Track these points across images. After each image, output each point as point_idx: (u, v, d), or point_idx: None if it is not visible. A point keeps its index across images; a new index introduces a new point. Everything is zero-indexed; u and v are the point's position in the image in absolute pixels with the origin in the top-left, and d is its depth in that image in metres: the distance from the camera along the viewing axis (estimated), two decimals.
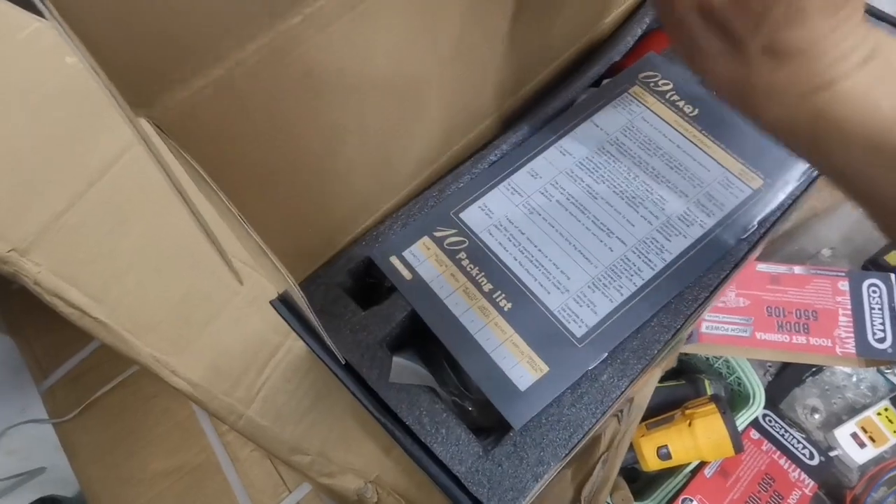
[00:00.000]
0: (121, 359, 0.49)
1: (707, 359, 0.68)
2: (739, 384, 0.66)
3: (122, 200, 0.51)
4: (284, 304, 0.39)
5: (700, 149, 0.42)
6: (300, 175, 0.32)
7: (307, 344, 0.38)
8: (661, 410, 0.61)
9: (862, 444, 0.67)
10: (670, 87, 0.44)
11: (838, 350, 0.59)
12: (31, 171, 0.52)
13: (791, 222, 0.76)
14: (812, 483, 0.64)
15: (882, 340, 0.59)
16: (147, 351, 0.46)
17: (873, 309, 0.61)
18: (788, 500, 0.63)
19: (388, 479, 0.41)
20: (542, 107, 0.44)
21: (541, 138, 0.43)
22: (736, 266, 0.38)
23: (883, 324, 0.60)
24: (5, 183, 0.52)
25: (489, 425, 0.38)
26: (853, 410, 0.70)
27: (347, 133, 0.33)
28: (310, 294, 0.39)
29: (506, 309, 0.38)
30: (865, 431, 0.67)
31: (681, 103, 0.44)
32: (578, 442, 0.34)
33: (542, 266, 0.39)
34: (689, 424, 0.58)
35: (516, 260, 0.39)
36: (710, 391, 0.63)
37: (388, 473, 0.41)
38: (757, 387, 0.65)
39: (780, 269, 0.63)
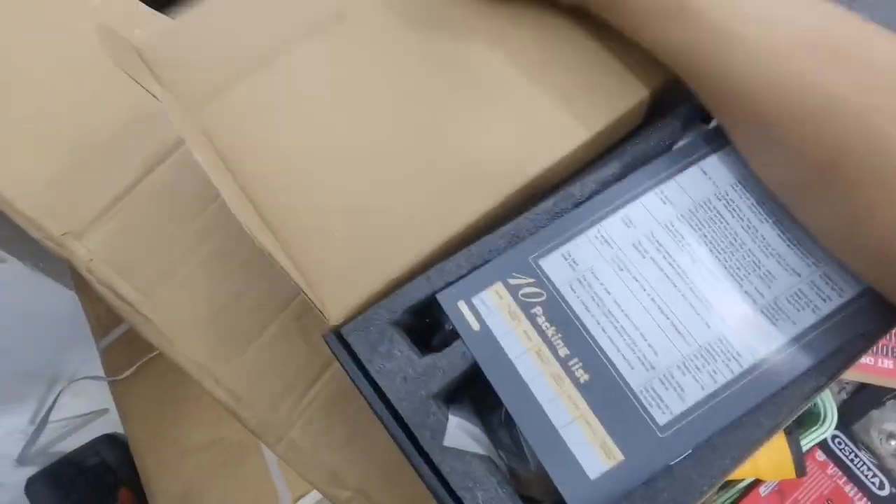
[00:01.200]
0: None
1: None
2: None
3: (179, 191, 0.49)
4: (338, 338, 0.36)
5: None
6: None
7: (360, 391, 0.35)
8: None
9: None
10: None
11: None
12: (93, 153, 0.50)
13: None
14: None
15: None
16: (190, 356, 0.44)
17: None
18: None
19: None
20: (638, 142, 0.39)
21: (638, 179, 0.37)
22: (851, 361, 0.33)
23: None
24: (67, 160, 0.50)
25: (542, 497, 0.35)
26: None
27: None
28: (364, 332, 0.36)
29: (582, 381, 0.33)
30: None
31: None
32: None
33: (628, 335, 0.34)
34: None
35: (599, 324, 0.34)
36: None
37: None
38: (830, 407, 0.60)
39: None
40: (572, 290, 0.35)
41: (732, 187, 0.37)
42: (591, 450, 0.32)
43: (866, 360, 0.55)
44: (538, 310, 0.35)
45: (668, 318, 0.34)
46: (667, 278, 0.35)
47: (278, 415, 0.42)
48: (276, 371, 0.44)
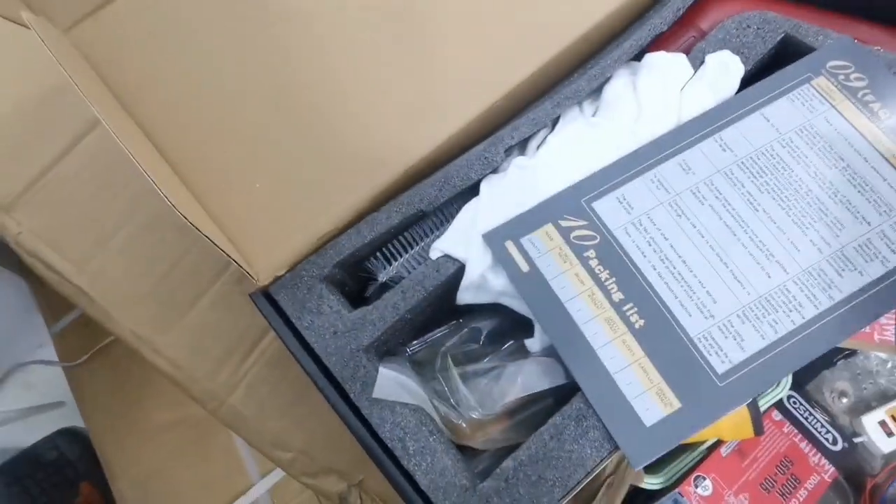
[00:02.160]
0: None
1: None
2: None
3: (110, 160, 0.47)
4: (266, 298, 0.35)
5: (895, 167, 0.34)
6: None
7: (287, 346, 0.34)
8: None
9: (890, 433, 0.63)
10: (865, 83, 0.36)
11: (876, 337, 0.55)
12: (20, 125, 0.48)
13: None
14: (832, 469, 0.61)
15: None
16: (128, 326, 0.43)
17: None
18: (806, 485, 0.61)
19: (373, 484, 0.38)
20: None
21: (698, 125, 0.36)
22: None
23: None
24: None
25: (480, 447, 0.35)
26: (884, 397, 0.66)
27: None
28: (292, 289, 0.35)
29: (637, 326, 0.32)
30: (895, 420, 0.63)
31: (876, 106, 0.35)
32: (579, 482, 0.30)
33: (686, 281, 0.33)
34: None
35: (655, 269, 0.33)
36: None
37: (373, 479, 0.38)
38: None
39: None
40: (627, 234, 0.34)
41: (798, 133, 0.35)
42: (647, 395, 0.30)
43: None
44: (591, 253, 0.33)
45: (727, 267, 0.33)
46: (726, 226, 0.34)
47: (219, 381, 0.41)
48: (216, 337, 0.42)
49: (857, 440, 0.64)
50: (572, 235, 0.34)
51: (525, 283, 0.33)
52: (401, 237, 0.37)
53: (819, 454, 0.62)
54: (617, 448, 0.30)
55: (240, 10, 0.38)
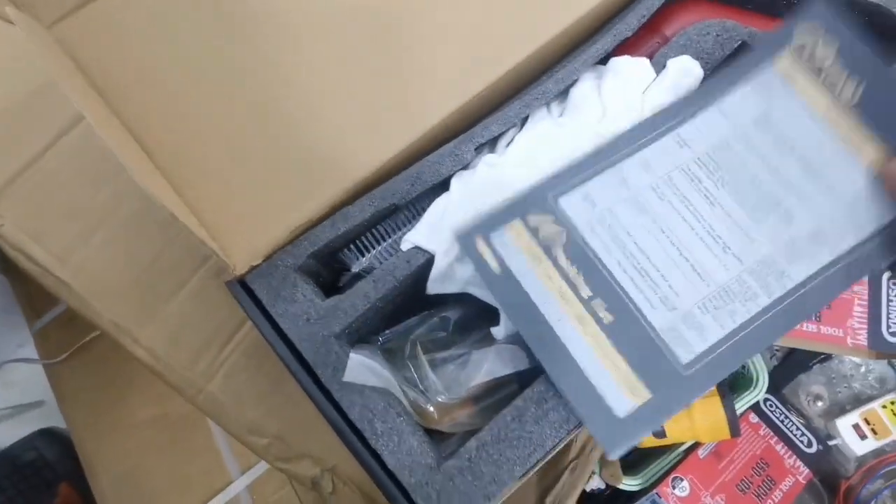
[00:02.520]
0: None
1: None
2: (744, 367, 0.64)
3: (93, 155, 0.48)
4: (242, 286, 0.37)
5: (850, 150, 0.35)
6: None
7: (261, 332, 0.35)
8: None
9: (863, 436, 0.65)
10: (833, 55, 0.36)
11: (849, 341, 0.57)
12: (5, 119, 0.49)
13: None
14: (807, 471, 0.63)
15: None
16: (108, 317, 0.44)
17: (891, 302, 0.57)
18: (781, 486, 0.62)
19: (345, 469, 0.39)
20: None
21: (657, 121, 0.37)
22: None
23: None
24: None
25: (447, 430, 0.36)
26: (858, 401, 0.68)
27: None
28: (267, 278, 0.37)
29: (606, 321, 0.33)
30: (868, 423, 0.66)
31: (842, 82, 0.35)
32: (539, 461, 0.32)
33: (649, 276, 0.34)
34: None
35: (620, 265, 0.34)
36: None
37: (345, 463, 0.40)
38: (761, 371, 0.62)
39: None
40: (592, 230, 0.35)
41: (754, 125, 0.36)
42: (618, 389, 0.31)
43: None
44: (559, 249, 0.34)
45: (687, 261, 0.34)
46: (684, 222, 0.35)
47: (197, 370, 0.42)
48: (195, 327, 0.43)
49: (831, 443, 0.66)
50: (541, 233, 0.35)
51: (497, 284, 0.34)
52: (374, 230, 0.38)
53: (794, 456, 0.64)
54: (576, 429, 0.32)
55: (221, 8, 0.39)
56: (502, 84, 0.40)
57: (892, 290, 0.59)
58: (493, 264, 0.34)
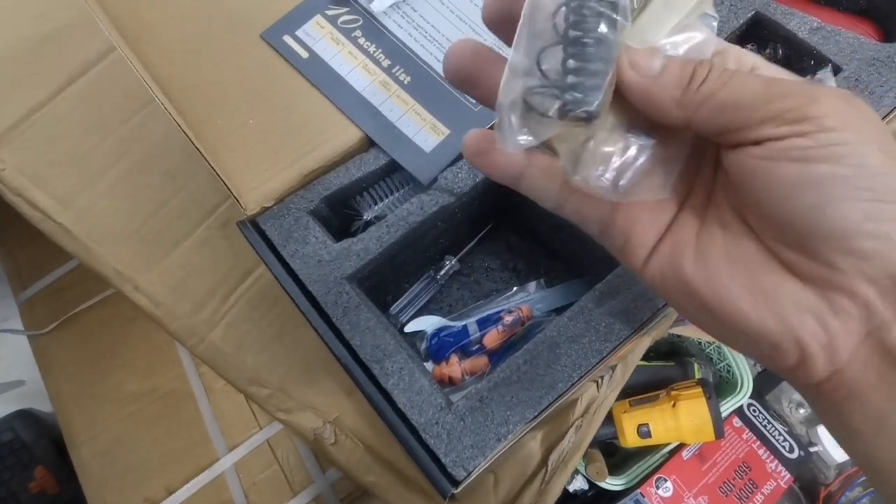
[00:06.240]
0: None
1: (699, 343, 0.66)
2: (729, 371, 0.64)
3: (101, 103, 0.48)
4: (254, 227, 0.36)
5: None
6: None
7: (272, 272, 0.35)
8: (647, 389, 0.59)
9: None
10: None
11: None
12: (12, 63, 0.49)
13: None
14: (788, 476, 0.64)
15: None
16: (110, 263, 0.43)
17: None
18: (762, 490, 0.63)
19: (347, 421, 0.39)
20: None
21: None
22: None
23: None
24: None
25: None
26: None
27: None
28: (279, 219, 0.36)
29: (406, 82, 0.39)
30: None
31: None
32: (549, 405, 0.31)
33: (436, 41, 0.40)
34: (674, 405, 0.56)
35: (411, 36, 0.41)
36: (698, 375, 0.61)
37: (348, 416, 0.39)
38: (746, 375, 0.63)
39: None
40: (384, 13, 0.41)
41: None
42: (423, 131, 0.38)
43: None
44: (358, 32, 0.41)
45: (465, 23, 0.41)
46: None
47: (200, 318, 0.41)
48: (199, 276, 0.43)
49: (812, 449, 0.67)
50: (339, 21, 0.41)
51: (308, 67, 0.39)
52: (387, 179, 0.38)
53: (776, 461, 0.65)
54: (588, 373, 0.32)
55: None
56: None
57: None
58: (302, 52, 0.40)
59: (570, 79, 0.17)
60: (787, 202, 0.17)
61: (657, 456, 0.63)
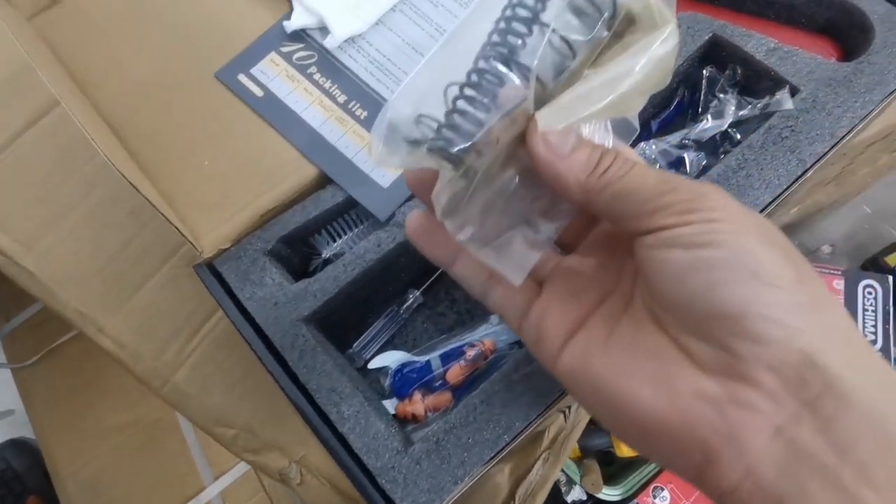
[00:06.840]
0: None
1: None
2: None
3: (64, 145, 0.48)
4: (210, 270, 0.36)
5: None
6: None
7: (228, 316, 0.35)
8: None
9: None
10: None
11: None
12: None
13: (793, 217, 0.71)
14: None
15: (872, 343, 0.56)
16: (73, 305, 0.43)
17: (867, 311, 0.58)
18: None
19: (314, 460, 0.39)
20: None
21: None
22: None
23: (875, 326, 0.57)
24: None
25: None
26: None
27: None
28: (236, 261, 0.36)
29: (362, 117, 0.39)
30: None
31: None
32: (507, 444, 0.31)
33: (393, 75, 0.40)
34: None
35: (367, 70, 0.40)
36: None
37: (313, 454, 0.39)
38: None
39: None
40: (340, 48, 0.41)
41: None
42: (380, 168, 0.38)
43: None
44: (314, 69, 0.40)
45: (420, 55, 0.41)
46: (421, 30, 0.41)
47: (163, 360, 0.41)
48: (163, 317, 0.42)
49: None
50: (294, 58, 0.40)
51: (263, 105, 0.39)
52: (345, 215, 0.38)
53: None
54: (546, 411, 0.31)
55: None
56: None
57: (867, 298, 0.59)
58: (257, 91, 0.39)
59: (453, 117, 0.18)
60: (679, 286, 0.17)
61: (653, 465, 0.62)
